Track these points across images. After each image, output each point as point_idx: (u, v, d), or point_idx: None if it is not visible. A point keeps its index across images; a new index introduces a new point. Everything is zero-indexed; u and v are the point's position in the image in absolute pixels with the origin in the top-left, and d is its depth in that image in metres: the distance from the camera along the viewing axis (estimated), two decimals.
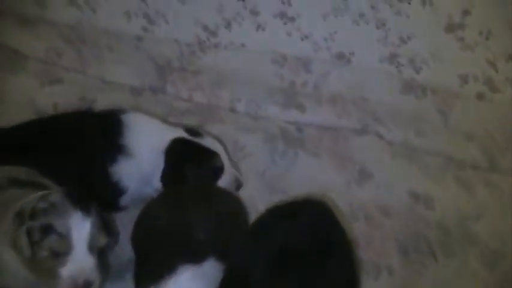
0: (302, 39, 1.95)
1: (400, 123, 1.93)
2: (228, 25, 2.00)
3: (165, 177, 1.55)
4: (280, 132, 1.86)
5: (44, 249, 1.25)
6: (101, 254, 1.30)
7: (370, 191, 1.77)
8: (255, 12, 1.96)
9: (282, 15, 1.94)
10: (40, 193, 1.31)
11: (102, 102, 1.92)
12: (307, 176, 1.77)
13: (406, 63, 1.96)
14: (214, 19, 2.00)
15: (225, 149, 1.68)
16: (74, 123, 1.62)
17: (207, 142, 1.61)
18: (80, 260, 1.26)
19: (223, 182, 1.60)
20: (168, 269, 1.22)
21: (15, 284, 1.31)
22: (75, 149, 1.54)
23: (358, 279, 1.31)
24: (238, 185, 1.63)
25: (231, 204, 1.47)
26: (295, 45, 1.96)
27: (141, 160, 1.55)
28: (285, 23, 1.95)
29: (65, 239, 1.25)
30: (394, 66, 1.96)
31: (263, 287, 1.16)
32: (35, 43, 2.15)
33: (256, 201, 1.65)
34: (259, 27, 1.97)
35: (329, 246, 1.23)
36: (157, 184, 1.56)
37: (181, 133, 1.60)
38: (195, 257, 1.24)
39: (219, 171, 1.60)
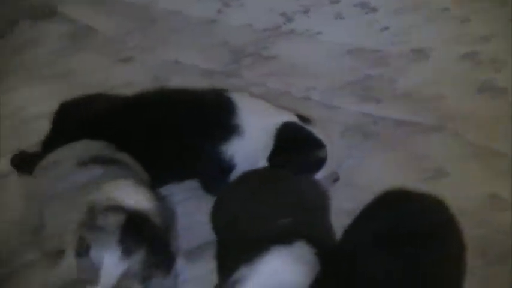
0: (382, 31, 1.91)
1: (475, 123, 1.87)
2: (306, 12, 1.98)
3: (273, 158, 1.55)
4: (356, 124, 1.82)
5: (80, 266, 1.20)
6: None
7: (445, 190, 1.71)
8: (334, 0, 1.93)
9: (363, 5, 1.91)
10: (110, 203, 1.23)
11: (176, 82, 1.91)
12: (382, 170, 1.72)
13: (486, 62, 1.91)
14: (292, 5, 1.98)
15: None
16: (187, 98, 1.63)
17: (316, 131, 1.60)
18: None
19: (323, 172, 1.58)
20: (258, 250, 1.18)
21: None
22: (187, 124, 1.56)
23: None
24: (336, 178, 1.62)
25: (314, 189, 1.45)
26: (374, 36, 1.93)
27: (252, 139, 1.55)
28: (366, 13, 1.92)
29: (95, 269, 1.18)
30: (474, 64, 1.91)
31: (369, 268, 1.14)
32: (107, 21, 2.16)
33: (332, 193, 1.61)
34: (338, 15, 1.94)
35: (439, 235, 1.21)
36: (263, 164, 1.55)
37: (292, 117, 1.60)
38: (285, 238, 1.21)
39: (322, 162, 1.58)
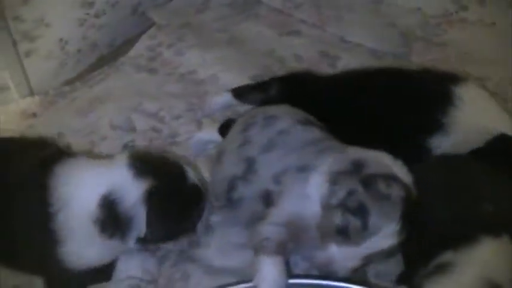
0: None
1: None
2: (483, 1, 1.94)
3: None
4: None
5: (340, 216, 1.16)
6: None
7: None
8: None
9: None
10: (383, 170, 1.18)
11: (345, 60, 1.92)
12: None
13: None
14: None
15: None
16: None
17: None
18: (345, 259, 1.18)
19: None
20: (465, 236, 1.15)
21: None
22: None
23: None
24: None
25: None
26: None
27: (458, 139, 1.46)
28: None
29: (361, 234, 1.14)
30: None
31: None
32: None
33: None
34: None
35: None
36: None
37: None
38: (493, 229, 1.17)
39: None
